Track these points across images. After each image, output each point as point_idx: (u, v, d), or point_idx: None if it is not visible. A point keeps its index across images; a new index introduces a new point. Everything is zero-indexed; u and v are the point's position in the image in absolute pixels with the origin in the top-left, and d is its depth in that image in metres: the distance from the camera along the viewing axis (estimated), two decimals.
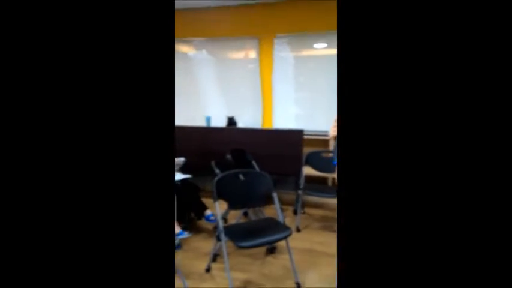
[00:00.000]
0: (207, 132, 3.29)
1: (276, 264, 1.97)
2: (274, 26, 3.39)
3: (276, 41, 3.49)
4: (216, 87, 3.95)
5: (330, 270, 1.91)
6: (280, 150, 2.84)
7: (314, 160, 2.67)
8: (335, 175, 2.98)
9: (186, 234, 2.14)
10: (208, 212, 2.38)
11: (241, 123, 3.59)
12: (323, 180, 3.20)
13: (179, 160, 2.37)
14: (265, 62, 3.56)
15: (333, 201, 2.93)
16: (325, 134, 3.19)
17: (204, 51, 3.94)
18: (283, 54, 3.53)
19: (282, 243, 1.67)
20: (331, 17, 3.22)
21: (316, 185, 2.88)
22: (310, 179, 2.71)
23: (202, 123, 3.67)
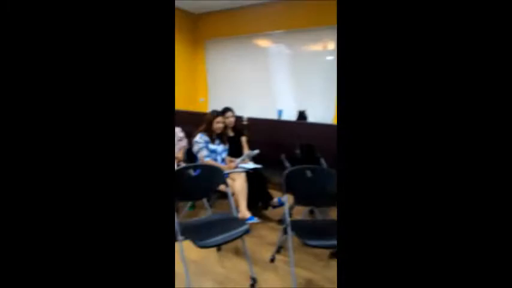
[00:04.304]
0: (277, 125, 3.30)
1: None
2: None
3: None
4: (289, 81, 3.92)
5: None
6: None
7: None
8: None
9: (255, 220, 2.22)
10: (275, 200, 2.42)
11: (311, 118, 3.49)
12: None
13: (253, 152, 2.44)
14: None
15: None
16: None
17: (281, 44, 3.93)
18: None
19: None
20: None
21: None
22: None
23: (274, 116, 3.69)
